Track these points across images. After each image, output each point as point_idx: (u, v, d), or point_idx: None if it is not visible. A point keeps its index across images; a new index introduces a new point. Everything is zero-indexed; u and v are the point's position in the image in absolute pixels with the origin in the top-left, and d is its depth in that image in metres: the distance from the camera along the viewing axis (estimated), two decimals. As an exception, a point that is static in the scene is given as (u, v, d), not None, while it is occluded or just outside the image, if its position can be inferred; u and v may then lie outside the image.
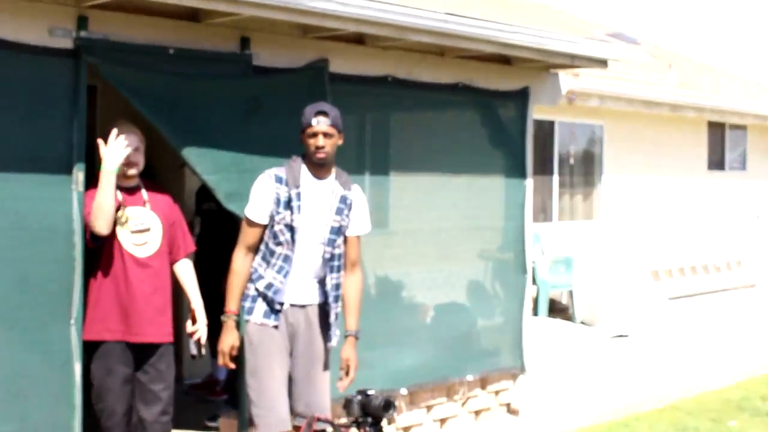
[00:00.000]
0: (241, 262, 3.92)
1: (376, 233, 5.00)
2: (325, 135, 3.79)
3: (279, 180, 3.88)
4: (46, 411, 3.93)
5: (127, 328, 4.01)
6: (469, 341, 5.75)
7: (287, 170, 3.90)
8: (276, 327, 3.93)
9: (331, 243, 3.92)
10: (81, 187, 3.96)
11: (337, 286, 3.99)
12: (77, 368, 3.98)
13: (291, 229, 3.85)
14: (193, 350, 4.23)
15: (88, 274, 4.05)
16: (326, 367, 4.06)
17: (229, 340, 3.89)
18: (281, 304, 3.95)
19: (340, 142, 3.91)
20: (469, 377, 5.70)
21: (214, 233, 5.62)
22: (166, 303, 4.15)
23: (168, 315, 4.17)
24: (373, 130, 5.40)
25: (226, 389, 5.48)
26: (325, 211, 3.90)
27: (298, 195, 3.85)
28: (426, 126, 5.54)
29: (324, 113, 3.81)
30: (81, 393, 4.02)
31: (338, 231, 3.93)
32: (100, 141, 3.95)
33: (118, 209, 3.96)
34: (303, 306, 3.97)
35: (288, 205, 3.85)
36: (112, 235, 3.98)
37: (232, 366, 3.97)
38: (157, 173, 5.24)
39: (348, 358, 3.98)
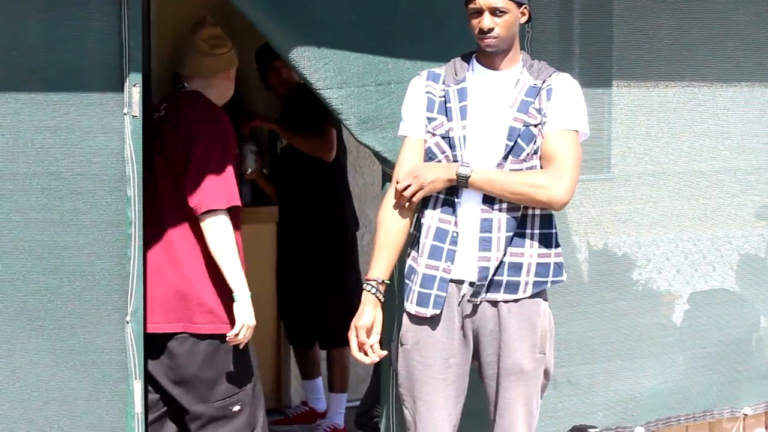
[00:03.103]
0: (389, 209, 3.88)
1: (589, 180, 4.76)
2: (495, 12, 3.69)
3: (434, 77, 3.87)
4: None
5: None
6: (745, 353, 5.49)
7: (448, 65, 3.88)
8: (438, 318, 3.84)
9: (509, 151, 3.75)
10: (136, 110, 3.84)
11: (516, 222, 3.78)
12: (137, 388, 3.92)
13: (450, 141, 3.77)
14: None
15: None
16: (529, 386, 3.88)
17: (361, 319, 3.85)
18: (446, 282, 3.82)
19: (523, 18, 3.80)
20: (746, 410, 5.48)
21: (294, 192, 5.80)
22: None
23: None
24: (583, 9, 5.07)
25: (359, 423, 5.41)
26: (503, 110, 3.77)
27: (460, 93, 3.79)
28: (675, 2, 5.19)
29: None
30: (143, 426, 3.97)
31: (524, 134, 3.76)
32: None
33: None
34: (476, 281, 3.81)
35: (445, 107, 3.79)
36: None
37: (366, 361, 3.89)
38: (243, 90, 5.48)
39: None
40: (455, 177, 3.73)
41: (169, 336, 4.30)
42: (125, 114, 3.85)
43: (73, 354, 3.86)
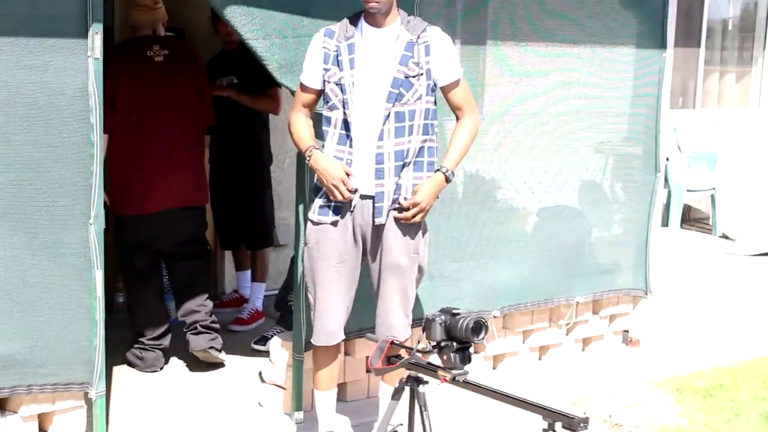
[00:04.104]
0: (299, 119, 4.03)
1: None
2: None
3: (329, 34, 3.94)
4: (62, 327, 3.95)
5: None
6: (579, 255, 5.54)
7: (341, 24, 3.95)
8: (335, 224, 3.96)
9: (394, 97, 3.86)
10: (98, 54, 3.83)
11: (402, 153, 3.90)
12: (98, 277, 3.97)
13: (341, 87, 3.87)
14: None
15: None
16: (406, 280, 4.04)
17: (332, 167, 3.86)
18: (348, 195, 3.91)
19: None
20: (579, 299, 5.54)
21: (231, 123, 5.76)
22: None
23: None
24: None
25: (279, 306, 5.56)
26: (387, 61, 3.87)
27: (349, 47, 3.88)
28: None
29: None
30: (103, 306, 4.03)
31: (406, 82, 3.87)
32: None
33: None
34: (368, 195, 3.93)
35: (337, 59, 3.88)
36: None
37: (350, 193, 3.88)
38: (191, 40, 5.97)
39: (418, 191, 3.90)
40: (446, 183, 3.99)
41: (179, 211, 5.05)
42: (89, 57, 3.84)
43: (47, 250, 3.91)
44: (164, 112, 4.98)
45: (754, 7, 10.27)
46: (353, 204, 3.94)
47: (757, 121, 10.40)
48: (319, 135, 4.08)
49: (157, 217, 5.00)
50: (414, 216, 3.93)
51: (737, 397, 5.18)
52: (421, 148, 3.96)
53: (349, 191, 3.88)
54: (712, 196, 9.51)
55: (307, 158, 3.95)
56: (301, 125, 4.03)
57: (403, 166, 3.92)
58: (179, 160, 5.05)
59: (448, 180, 3.98)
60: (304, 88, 4.01)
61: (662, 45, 5.60)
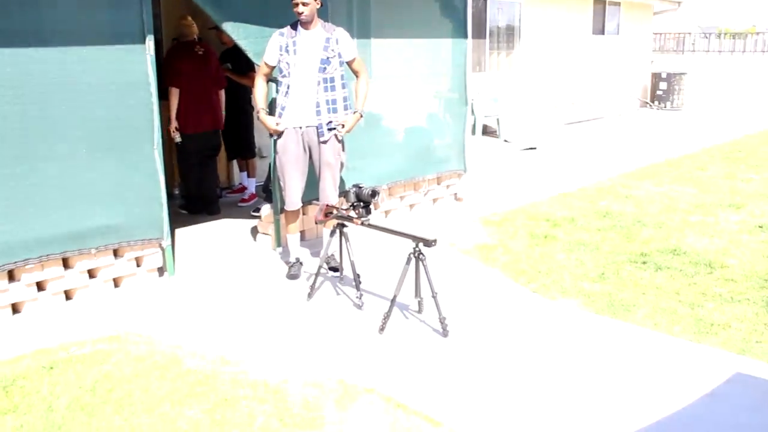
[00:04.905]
0: (260, 82, 3.88)
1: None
2: (303, 3, 3.70)
3: (282, 34, 3.84)
4: (142, 208, 3.90)
5: None
6: (429, 152, 5.57)
7: (287, 28, 3.85)
8: (292, 139, 3.86)
9: (322, 69, 3.79)
10: (151, 52, 3.74)
11: (330, 101, 3.83)
12: (161, 178, 3.91)
13: (289, 64, 3.80)
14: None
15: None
16: (335, 170, 3.96)
17: (267, 121, 3.81)
18: (298, 126, 3.82)
19: (318, 5, 3.77)
20: (429, 176, 5.56)
21: (230, 89, 5.61)
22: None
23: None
24: (359, 6, 4.91)
25: (265, 189, 5.50)
26: (316, 49, 3.80)
27: (294, 42, 3.80)
28: (396, 2, 5.07)
29: None
30: (166, 194, 3.97)
31: (327, 60, 3.79)
32: None
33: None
34: (311, 125, 3.81)
35: (287, 48, 3.80)
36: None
37: (281, 130, 3.81)
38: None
39: (345, 121, 3.87)
40: (360, 118, 3.86)
41: (212, 131, 5.27)
42: (147, 54, 3.75)
43: (132, 163, 3.80)
44: (205, 80, 5.20)
45: (513, 19, 10.41)
46: (301, 131, 3.84)
47: (517, 78, 10.59)
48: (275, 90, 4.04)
49: (206, 134, 5.26)
50: (340, 131, 3.89)
51: (515, 225, 5.22)
52: (345, 98, 3.92)
53: (277, 131, 3.79)
54: (497, 119, 9.67)
55: (256, 115, 3.89)
56: (261, 91, 3.85)
57: (334, 110, 3.83)
58: (213, 104, 5.29)
59: (361, 116, 3.94)
60: (266, 64, 3.87)
61: (465, 37, 5.54)
